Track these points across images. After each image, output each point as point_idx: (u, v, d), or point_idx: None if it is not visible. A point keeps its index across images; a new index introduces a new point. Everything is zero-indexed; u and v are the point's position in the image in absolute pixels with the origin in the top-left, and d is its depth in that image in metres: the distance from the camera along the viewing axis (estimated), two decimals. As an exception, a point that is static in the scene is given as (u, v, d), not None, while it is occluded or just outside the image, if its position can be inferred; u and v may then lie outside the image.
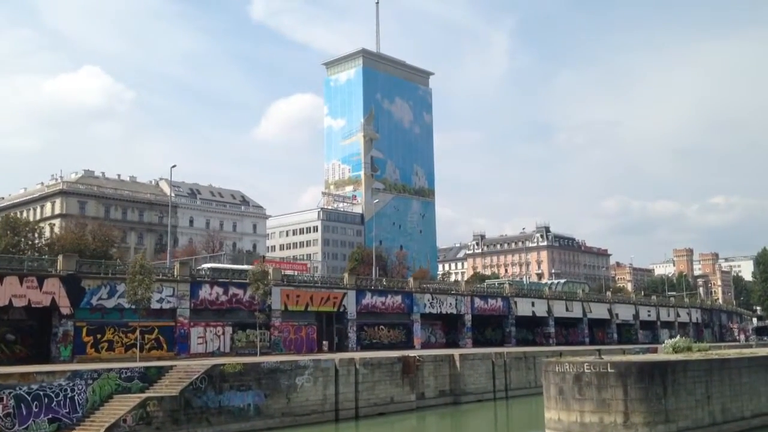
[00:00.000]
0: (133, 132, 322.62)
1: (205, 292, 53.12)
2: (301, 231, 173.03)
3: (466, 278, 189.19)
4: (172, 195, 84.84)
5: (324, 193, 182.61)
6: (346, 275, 67.86)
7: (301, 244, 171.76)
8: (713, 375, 34.77)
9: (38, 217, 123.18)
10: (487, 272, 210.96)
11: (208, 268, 58.74)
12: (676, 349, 43.54)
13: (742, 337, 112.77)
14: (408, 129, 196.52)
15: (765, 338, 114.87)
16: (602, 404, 32.03)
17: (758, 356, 39.14)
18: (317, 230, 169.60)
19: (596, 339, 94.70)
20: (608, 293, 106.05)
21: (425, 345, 71.78)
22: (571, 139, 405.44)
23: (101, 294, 47.27)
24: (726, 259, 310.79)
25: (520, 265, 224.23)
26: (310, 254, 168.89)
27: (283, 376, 41.82)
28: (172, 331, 50.82)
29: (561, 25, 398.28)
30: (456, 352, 56.98)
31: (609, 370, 32.26)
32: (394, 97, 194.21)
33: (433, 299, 72.34)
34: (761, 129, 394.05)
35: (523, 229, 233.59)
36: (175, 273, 52.07)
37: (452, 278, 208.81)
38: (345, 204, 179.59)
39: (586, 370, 32.69)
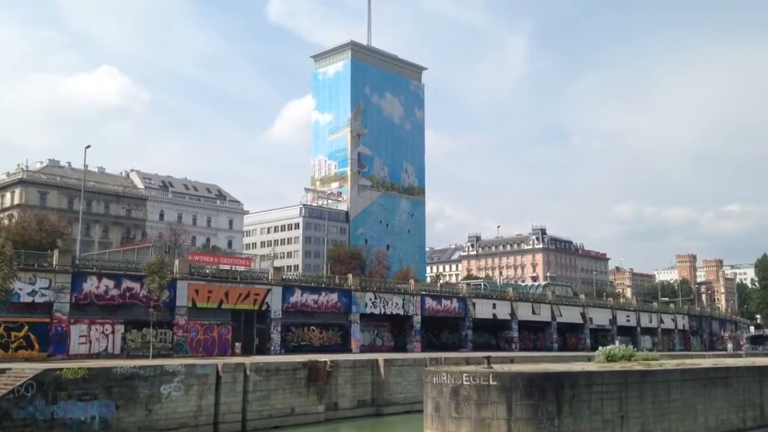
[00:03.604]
0: (147, 131, 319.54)
1: (91, 285, 47.08)
2: (283, 228, 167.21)
3: (459, 280, 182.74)
4: (85, 180, 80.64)
5: (308, 189, 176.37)
6: (271, 270, 61.33)
7: (282, 242, 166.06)
8: (630, 390, 28.31)
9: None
10: (482, 274, 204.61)
11: None
12: (609, 358, 37.05)
13: (730, 345, 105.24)
14: (398, 125, 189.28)
15: (759, 348, 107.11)
16: (481, 425, 25.82)
17: (694, 368, 32.54)
18: (299, 227, 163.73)
19: (568, 344, 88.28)
20: (582, 296, 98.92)
21: (369, 348, 65.51)
22: (586, 144, 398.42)
23: (-45, 284, 41.40)
24: (731, 266, 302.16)
25: (515, 268, 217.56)
26: (291, 252, 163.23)
27: (143, 384, 35.54)
28: (47, 329, 44.81)
29: (579, 30, 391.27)
30: (381, 357, 50.58)
31: (491, 382, 26.00)
32: (384, 91, 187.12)
33: (376, 298, 65.58)
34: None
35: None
36: (53, 262, 45.99)
37: (445, 280, 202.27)
38: (330, 201, 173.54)
39: (464, 382, 26.47)
